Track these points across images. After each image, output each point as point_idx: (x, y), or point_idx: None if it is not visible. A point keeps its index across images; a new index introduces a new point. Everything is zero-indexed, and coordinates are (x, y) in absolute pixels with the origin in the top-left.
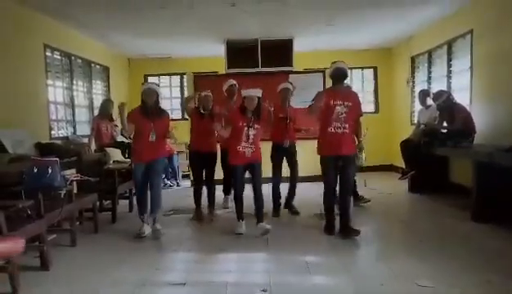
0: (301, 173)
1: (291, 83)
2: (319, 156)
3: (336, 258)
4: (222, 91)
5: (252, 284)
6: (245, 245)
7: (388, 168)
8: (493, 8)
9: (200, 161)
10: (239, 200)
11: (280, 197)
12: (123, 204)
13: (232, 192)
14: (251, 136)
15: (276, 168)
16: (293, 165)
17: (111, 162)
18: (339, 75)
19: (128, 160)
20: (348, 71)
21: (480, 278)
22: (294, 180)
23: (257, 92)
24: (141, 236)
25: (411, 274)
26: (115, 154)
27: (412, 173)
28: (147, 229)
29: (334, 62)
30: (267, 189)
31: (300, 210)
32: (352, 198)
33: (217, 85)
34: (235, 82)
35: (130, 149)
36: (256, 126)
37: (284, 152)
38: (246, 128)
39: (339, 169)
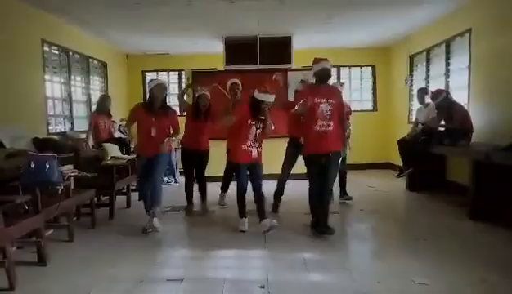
0: (296, 170)
1: (305, 80)
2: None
3: (333, 255)
4: (222, 87)
5: (249, 281)
6: (243, 242)
7: (386, 166)
8: (492, 7)
9: (191, 159)
10: (242, 198)
11: (282, 193)
12: (120, 200)
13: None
14: (257, 136)
15: (287, 164)
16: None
17: (109, 157)
18: (324, 76)
19: (126, 156)
20: (332, 68)
21: (476, 276)
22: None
23: (271, 98)
24: (148, 231)
25: (408, 272)
26: (113, 150)
27: (409, 171)
28: (156, 223)
29: (320, 59)
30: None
31: (297, 207)
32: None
33: (215, 82)
34: (237, 80)
35: (128, 145)
36: (262, 125)
37: (299, 149)
38: (254, 127)
39: (323, 166)
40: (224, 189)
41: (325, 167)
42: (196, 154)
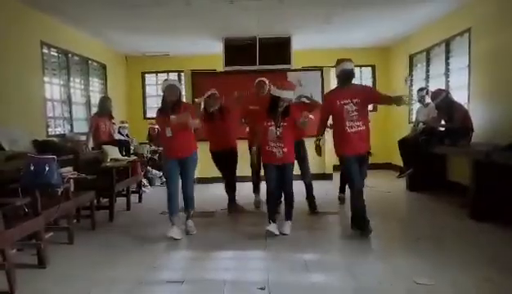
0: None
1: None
2: (338, 156)
3: (334, 256)
4: (222, 88)
5: (250, 282)
6: (243, 243)
7: (386, 166)
8: (491, 6)
9: (222, 160)
10: (270, 199)
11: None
12: (120, 202)
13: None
14: (280, 135)
15: None
16: (302, 161)
17: (108, 159)
18: (345, 76)
19: (126, 158)
20: (354, 69)
21: (479, 276)
22: (306, 177)
23: (290, 94)
24: (172, 237)
25: (410, 272)
26: (113, 152)
27: (410, 171)
28: (175, 232)
29: (341, 60)
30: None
31: (299, 208)
32: None
33: (215, 83)
34: (264, 79)
35: (128, 147)
36: (283, 124)
37: None
38: (272, 128)
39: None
40: (255, 189)
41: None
42: (224, 154)
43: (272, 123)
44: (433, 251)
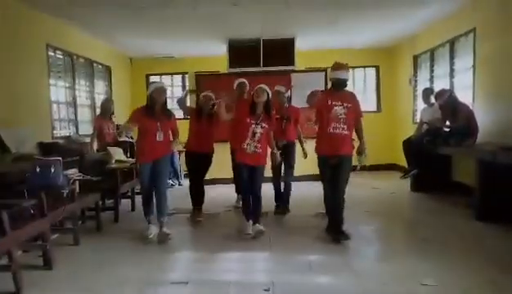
0: (302, 172)
1: (285, 86)
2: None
3: (339, 257)
4: (224, 90)
5: (254, 283)
6: (248, 244)
7: (391, 167)
8: (496, 7)
9: (196, 162)
10: (246, 200)
11: (287, 194)
12: (125, 203)
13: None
14: (257, 135)
15: (277, 168)
16: (288, 164)
17: (113, 161)
18: (338, 83)
19: (131, 159)
20: (349, 74)
21: (484, 278)
22: (287, 179)
23: (266, 88)
24: (148, 237)
25: (414, 273)
26: (117, 153)
27: (414, 172)
28: (154, 230)
29: (337, 67)
30: (267, 189)
31: (302, 209)
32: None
33: (219, 84)
34: (245, 80)
35: (133, 148)
36: (263, 124)
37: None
38: (254, 126)
39: (335, 169)
40: (238, 190)
41: (335, 170)
42: (201, 157)
43: (253, 122)
44: (438, 252)
